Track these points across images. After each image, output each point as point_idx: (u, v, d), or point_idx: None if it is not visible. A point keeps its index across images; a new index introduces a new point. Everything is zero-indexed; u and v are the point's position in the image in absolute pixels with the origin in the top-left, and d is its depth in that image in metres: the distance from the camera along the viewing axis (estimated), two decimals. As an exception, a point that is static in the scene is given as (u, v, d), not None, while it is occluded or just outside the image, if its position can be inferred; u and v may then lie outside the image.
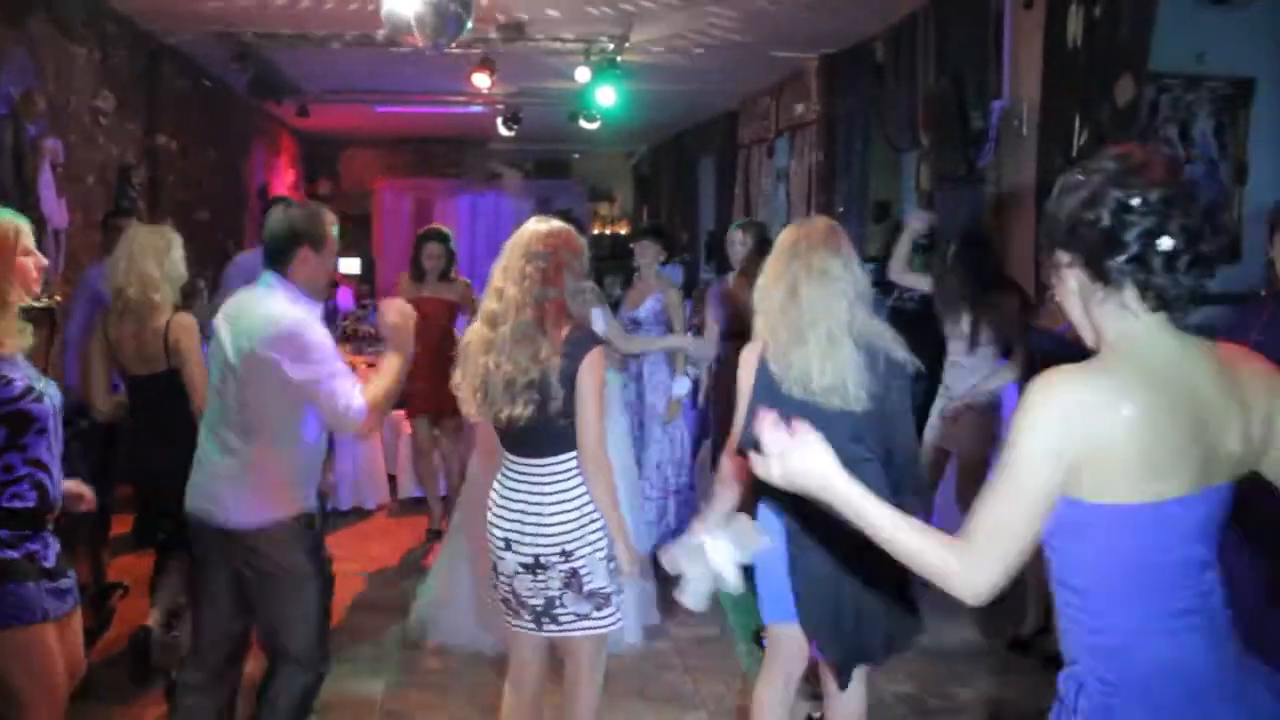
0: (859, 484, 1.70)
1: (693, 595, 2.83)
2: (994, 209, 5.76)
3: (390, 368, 3.15)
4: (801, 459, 1.71)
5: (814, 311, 2.87)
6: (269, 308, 3.05)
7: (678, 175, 13.59)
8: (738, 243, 5.43)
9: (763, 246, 5.24)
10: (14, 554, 2.74)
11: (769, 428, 1.74)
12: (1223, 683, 1.66)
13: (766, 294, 2.96)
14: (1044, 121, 5.29)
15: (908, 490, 2.94)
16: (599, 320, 4.73)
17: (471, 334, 3.03)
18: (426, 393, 5.91)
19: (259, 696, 3.25)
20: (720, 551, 2.83)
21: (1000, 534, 1.62)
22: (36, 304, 4.47)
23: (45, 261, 2.96)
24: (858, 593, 2.89)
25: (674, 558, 2.84)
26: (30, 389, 2.81)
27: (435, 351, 5.99)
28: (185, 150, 8.15)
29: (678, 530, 4.77)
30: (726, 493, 3.01)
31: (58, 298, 4.98)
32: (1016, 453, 1.62)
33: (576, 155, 15.97)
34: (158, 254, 4.00)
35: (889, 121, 7.24)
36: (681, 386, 5.67)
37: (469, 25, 4.83)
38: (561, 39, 7.59)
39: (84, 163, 6.04)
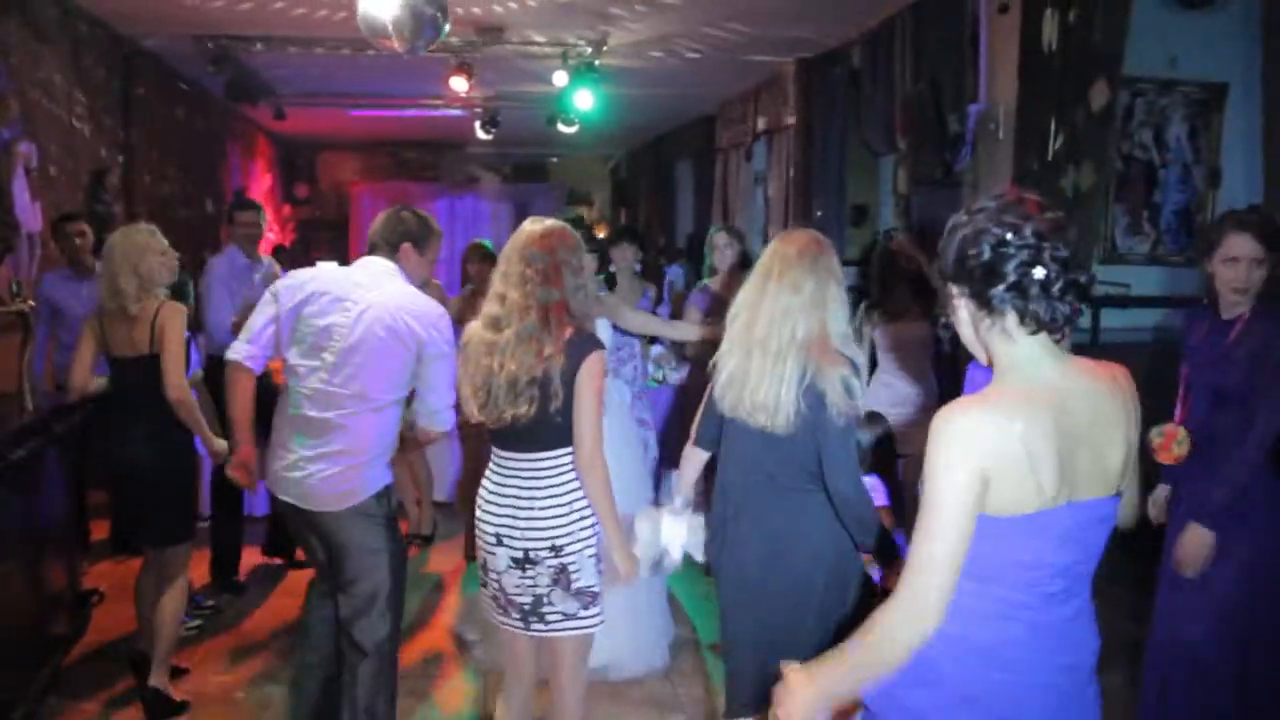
0: (811, 667, 1.84)
1: (641, 554, 3.08)
2: (971, 212, 5.79)
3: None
4: (790, 711, 1.84)
5: (768, 327, 2.84)
6: (404, 287, 3.37)
7: (656, 179, 13.61)
8: (723, 246, 5.38)
9: (743, 258, 5.28)
10: None
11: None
12: (1045, 684, 1.85)
13: (739, 306, 2.95)
14: (1020, 125, 5.32)
15: (861, 533, 2.85)
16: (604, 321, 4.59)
17: (471, 336, 3.03)
18: None
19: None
20: (674, 533, 3.10)
21: (936, 568, 1.73)
22: (7, 308, 4.46)
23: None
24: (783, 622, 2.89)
25: (635, 520, 3.06)
26: None
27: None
28: (161, 153, 8.09)
29: None
30: (687, 479, 3.23)
31: (30, 302, 4.95)
32: (937, 492, 1.74)
33: (554, 159, 15.97)
34: (132, 264, 3.98)
35: (866, 125, 7.27)
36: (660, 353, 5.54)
37: (446, 29, 4.82)
38: (539, 43, 7.59)
39: (58, 166, 5.99)
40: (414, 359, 3.27)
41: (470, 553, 6.08)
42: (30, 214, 5.26)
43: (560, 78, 7.92)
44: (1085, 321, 5.64)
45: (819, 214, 8.05)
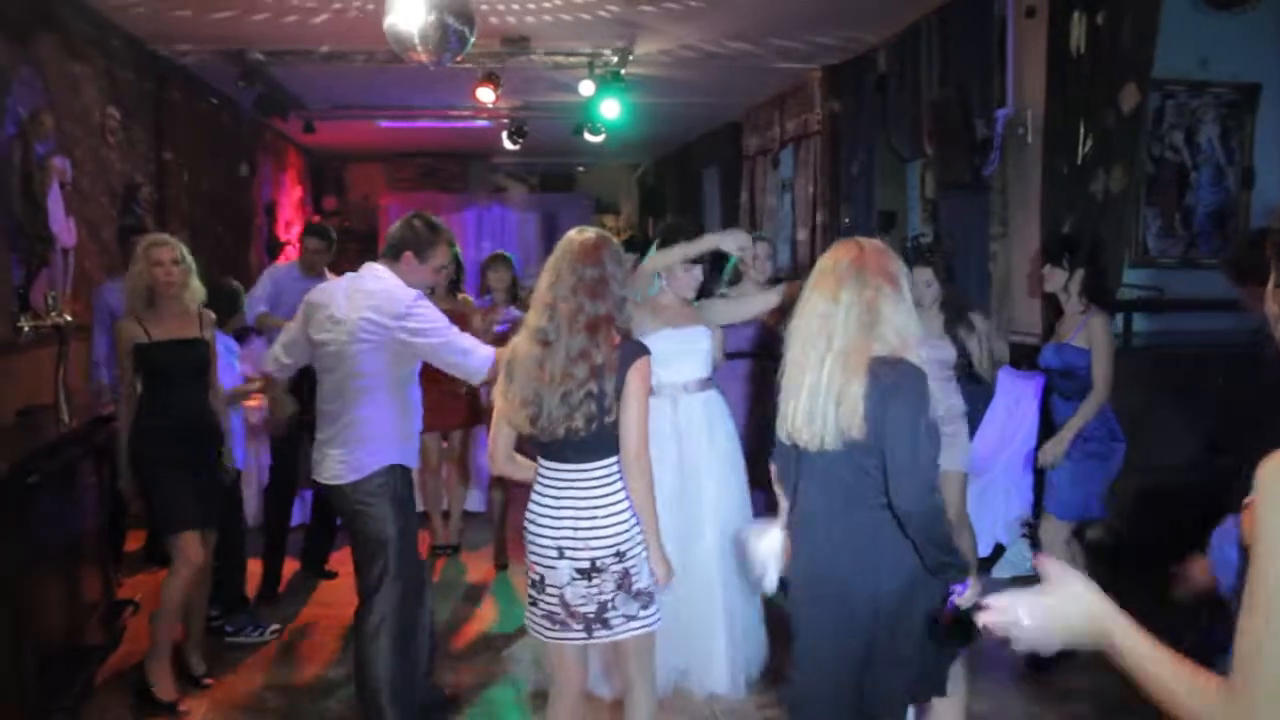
0: (1119, 615, 1.50)
1: (770, 582, 2.98)
2: (999, 217, 5.76)
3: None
4: (1062, 611, 1.53)
5: (805, 347, 2.74)
6: (376, 287, 3.63)
7: (683, 187, 13.61)
8: (764, 257, 5.27)
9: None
10: None
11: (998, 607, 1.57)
12: None
13: (794, 320, 2.82)
14: (1048, 129, 5.29)
15: (930, 556, 2.69)
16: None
17: (518, 350, 3.03)
18: (437, 408, 5.93)
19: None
20: (767, 554, 2.96)
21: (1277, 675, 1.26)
22: (42, 322, 4.51)
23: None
24: (868, 652, 2.75)
25: (749, 539, 3.01)
26: None
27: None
28: (192, 167, 8.18)
29: None
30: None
31: (66, 315, 5.00)
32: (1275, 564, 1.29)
33: (581, 168, 16.01)
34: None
35: (893, 131, 7.25)
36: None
37: (472, 41, 4.84)
38: (565, 53, 7.62)
39: (92, 181, 6.06)
40: (396, 347, 3.57)
41: (501, 560, 6.10)
42: (65, 228, 5.32)
43: (587, 87, 7.94)
44: (1117, 325, 5.59)
45: (846, 220, 8.03)
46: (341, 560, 5.29)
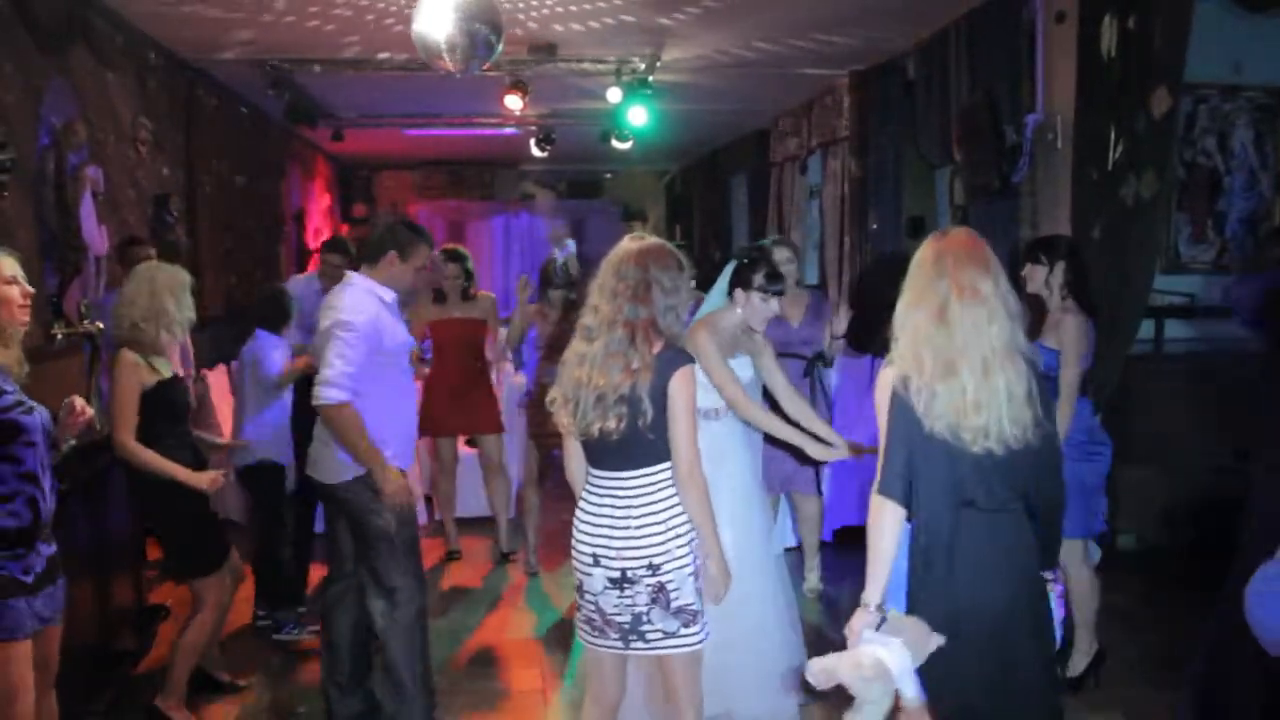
0: None
1: (872, 716, 2.52)
2: (1029, 223, 5.71)
3: (368, 450, 3.70)
4: None
5: (965, 337, 2.56)
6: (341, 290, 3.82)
7: (710, 194, 13.60)
8: (785, 263, 5.21)
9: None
10: (3, 572, 2.82)
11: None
12: None
13: (909, 316, 2.63)
14: (1079, 135, 5.24)
15: (1051, 554, 2.68)
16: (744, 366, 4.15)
17: (569, 350, 3.05)
18: (459, 411, 5.94)
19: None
20: (899, 662, 2.49)
21: None
22: (75, 330, 4.54)
23: (31, 290, 3.04)
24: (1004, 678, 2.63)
25: (834, 672, 2.55)
26: (20, 401, 2.89)
27: (464, 371, 6.03)
28: (222, 176, 8.25)
29: None
30: (883, 553, 2.67)
31: (98, 324, 5.06)
32: None
33: (609, 175, 16.03)
34: (175, 294, 4.01)
35: (922, 137, 7.21)
36: None
37: (499, 49, 4.86)
38: (593, 60, 7.63)
39: (124, 190, 6.12)
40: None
41: (531, 568, 6.09)
42: (97, 237, 5.38)
43: (614, 94, 7.94)
44: (1148, 332, 5.53)
45: (874, 226, 7.99)
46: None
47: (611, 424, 2.90)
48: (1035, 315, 4.69)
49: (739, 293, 3.99)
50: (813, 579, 5.54)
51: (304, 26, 6.48)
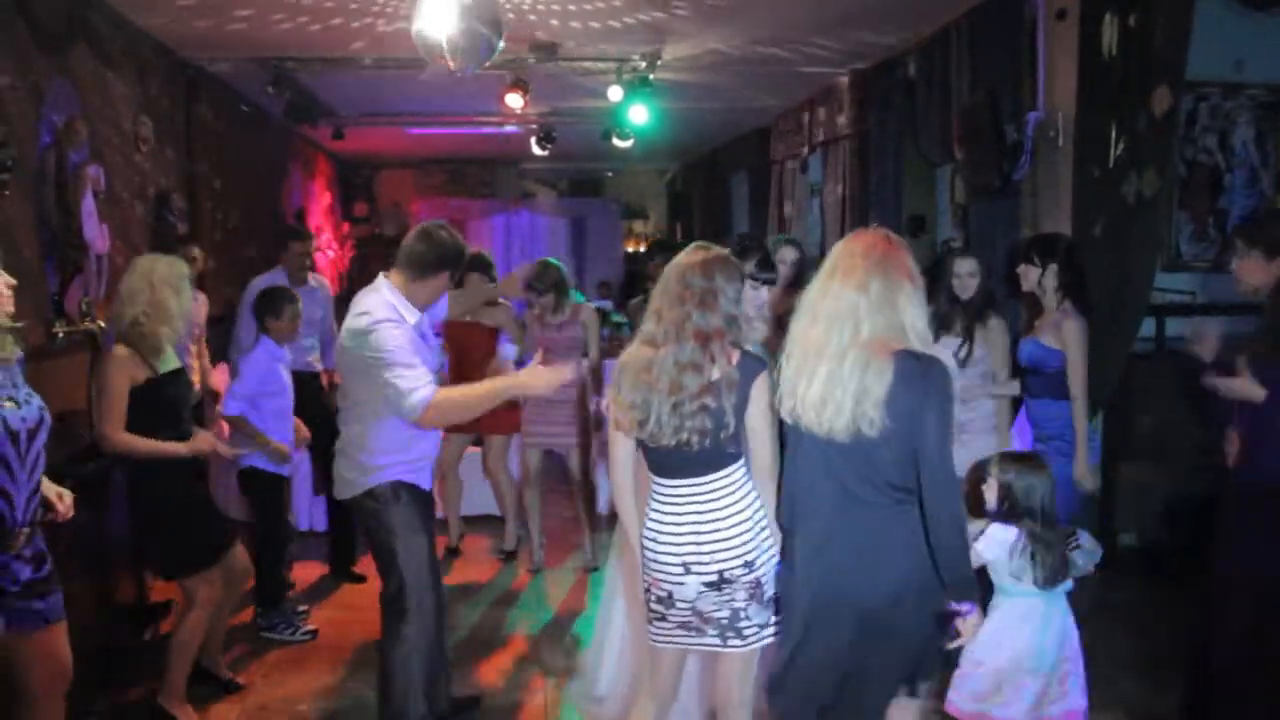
0: None
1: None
2: (1030, 221, 5.71)
3: (489, 389, 3.58)
4: None
5: (828, 327, 2.73)
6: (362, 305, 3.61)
7: (711, 192, 13.59)
8: (790, 261, 5.27)
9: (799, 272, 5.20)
10: None
11: None
12: None
13: (799, 306, 2.86)
14: (1080, 133, 5.24)
15: (947, 564, 2.68)
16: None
17: (629, 355, 3.05)
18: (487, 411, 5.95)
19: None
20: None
21: None
22: (76, 328, 4.55)
23: (12, 280, 3.00)
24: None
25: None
26: None
27: (477, 375, 6.03)
28: (223, 174, 8.25)
29: None
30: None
31: (100, 322, 5.06)
32: None
33: (610, 173, 16.03)
34: (174, 286, 4.00)
35: (923, 135, 7.21)
36: None
37: (500, 47, 4.86)
38: (593, 59, 7.62)
39: (124, 189, 6.12)
40: (364, 366, 3.52)
41: (536, 565, 6.11)
42: (99, 235, 5.38)
43: (615, 93, 7.94)
44: (1149, 329, 5.53)
45: (876, 225, 7.96)
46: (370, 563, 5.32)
47: (691, 436, 2.90)
48: (1030, 313, 4.72)
49: None
50: None
51: (303, 25, 6.48)
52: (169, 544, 4.09)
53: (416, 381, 3.44)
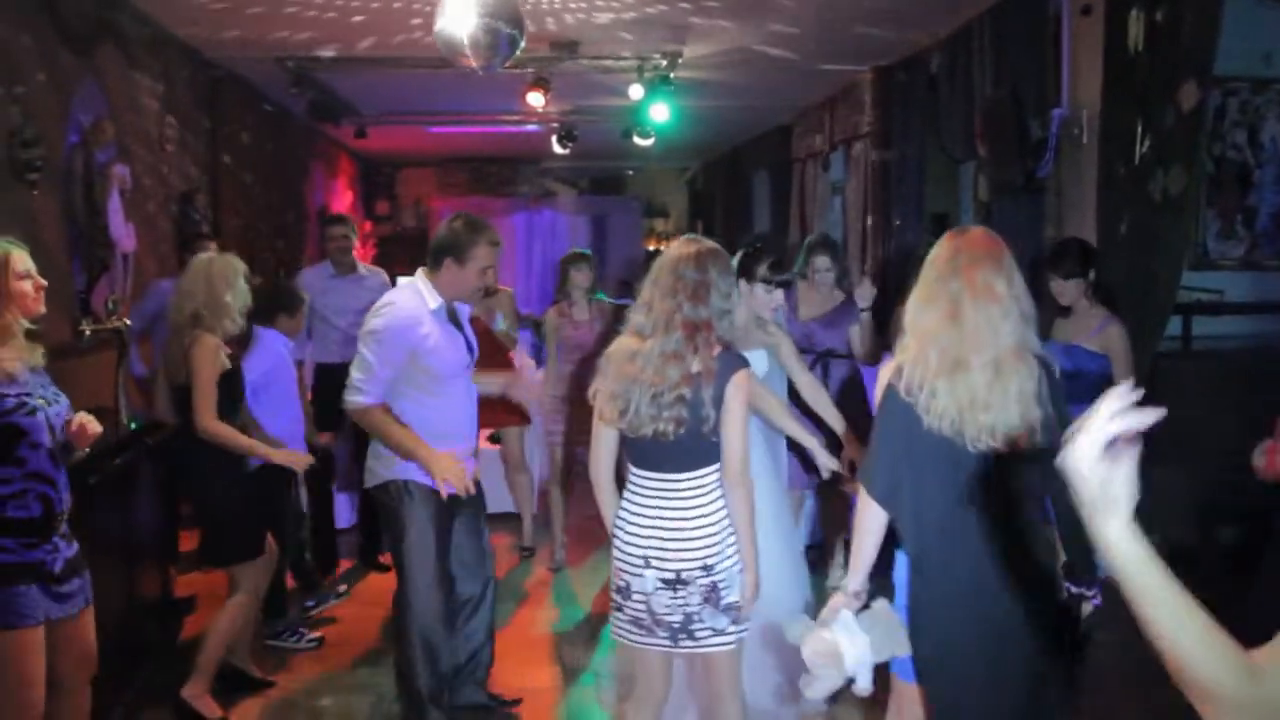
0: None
1: (818, 690, 2.68)
2: (1054, 219, 5.67)
3: (406, 445, 3.64)
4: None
5: (979, 336, 2.53)
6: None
7: (732, 190, 13.56)
8: (824, 270, 5.32)
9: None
10: (13, 559, 2.83)
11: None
12: None
13: (920, 314, 2.63)
14: (1105, 129, 5.20)
15: (1080, 565, 2.59)
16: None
17: (615, 346, 3.04)
18: (486, 406, 5.94)
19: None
20: (857, 653, 2.59)
21: None
22: (103, 326, 4.58)
23: (44, 282, 3.04)
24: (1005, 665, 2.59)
25: (801, 639, 2.67)
26: (22, 404, 2.87)
27: (493, 367, 6.05)
28: (247, 173, 8.29)
29: None
30: (864, 547, 2.74)
31: (126, 320, 5.10)
32: None
33: (631, 171, 16.02)
34: (230, 283, 4.09)
35: (945, 133, 7.17)
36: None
37: (522, 45, 4.86)
38: (614, 57, 7.62)
39: (150, 188, 6.17)
40: None
41: (558, 564, 6.11)
42: (125, 234, 5.42)
43: (636, 91, 7.93)
44: (1176, 329, 5.48)
45: (897, 223, 7.95)
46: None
47: (668, 426, 2.89)
48: (1048, 314, 4.68)
49: (743, 284, 3.89)
50: (836, 575, 5.54)
51: (326, 25, 6.50)
52: (227, 530, 4.18)
53: (366, 385, 3.61)
